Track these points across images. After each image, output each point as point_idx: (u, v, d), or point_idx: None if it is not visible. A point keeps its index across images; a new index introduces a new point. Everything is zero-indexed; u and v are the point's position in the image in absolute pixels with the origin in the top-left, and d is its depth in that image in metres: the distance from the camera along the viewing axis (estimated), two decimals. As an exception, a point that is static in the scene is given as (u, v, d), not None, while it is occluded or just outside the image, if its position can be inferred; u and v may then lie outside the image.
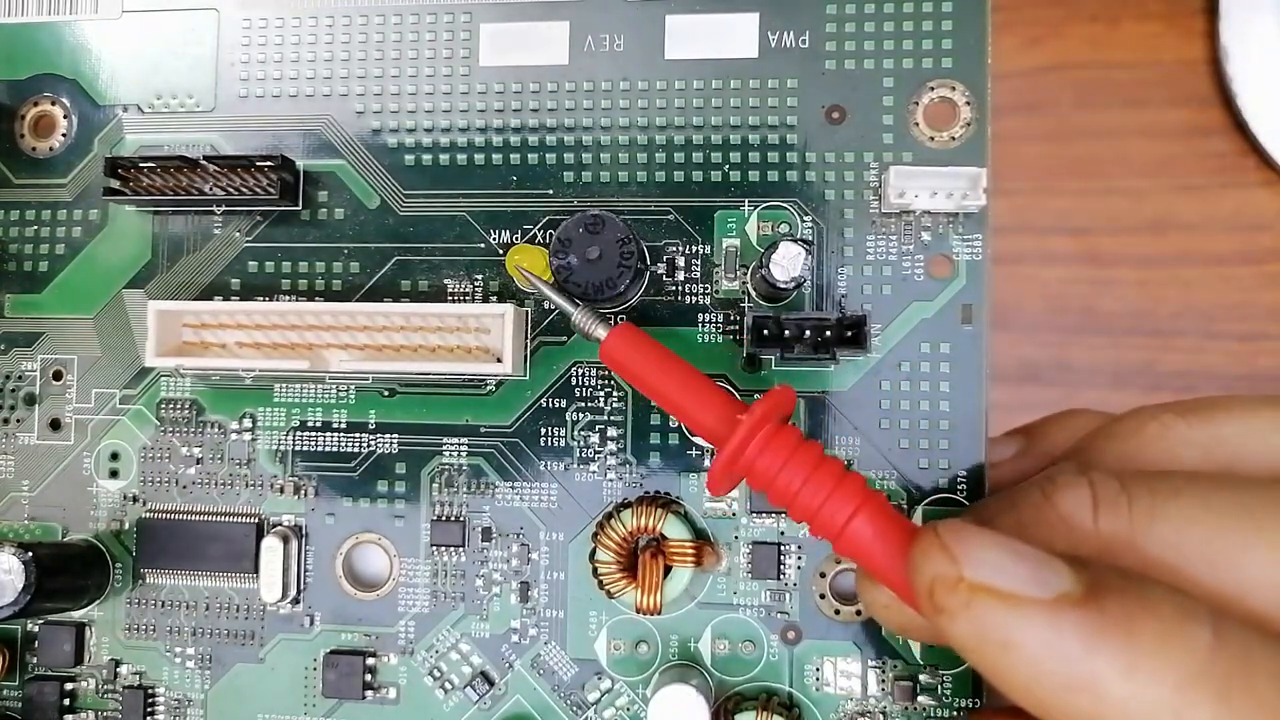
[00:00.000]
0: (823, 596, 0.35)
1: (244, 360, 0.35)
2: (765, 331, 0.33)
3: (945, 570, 0.24)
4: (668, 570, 0.34)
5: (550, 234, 0.36)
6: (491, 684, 0.36)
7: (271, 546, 0.37)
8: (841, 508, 0.28)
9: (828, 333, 0.33)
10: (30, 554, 0.33)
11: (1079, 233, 0.34)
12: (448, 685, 0.36)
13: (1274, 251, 0.37)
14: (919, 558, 0.25)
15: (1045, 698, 0.23)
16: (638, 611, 0.34)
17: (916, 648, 0.35)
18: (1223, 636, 0.22)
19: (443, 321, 0.35)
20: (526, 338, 0.36)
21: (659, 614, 0.34)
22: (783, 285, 0.32)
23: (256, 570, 0.37)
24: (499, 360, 0.35)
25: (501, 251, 0.37)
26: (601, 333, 0.32)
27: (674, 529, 0.34)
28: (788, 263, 0.32)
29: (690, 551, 0.34)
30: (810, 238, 0.34)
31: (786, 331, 0.33)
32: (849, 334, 0.33)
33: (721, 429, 0.29)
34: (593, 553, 0.35)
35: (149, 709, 0.38)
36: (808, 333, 0.33)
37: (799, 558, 0.35)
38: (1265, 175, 0.37)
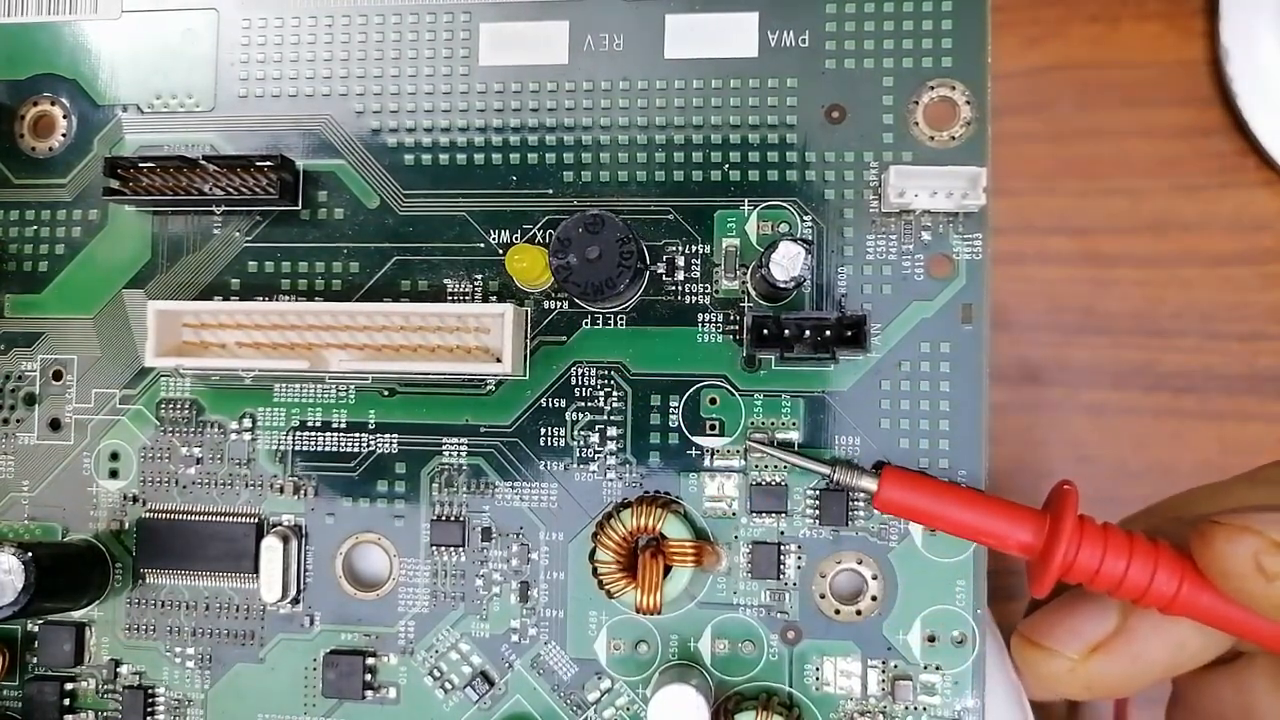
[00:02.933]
0: (823, 596, 0.35)
1: (244, 360, 0.35)
2: (765, 331, 0.33)
3: (1256, 543, 0.27)
4: (667, 570, 0.34)
5: (550, 234, 0.36)
6: (491, 684, 0.36)
7: (271, 546, 0.37)
8: (1169, 578, 0.29)
9: (827, 332, 0.33)
10: (30, 554, 0.33)
11: (1079, 233, 0.34)
12: (448, 685, 0.36)
13: (1274, 251, 0.37)
14: (1228, 547, 0.27)
15: None
16: (638, 611, 0.34)
17: (916, 647, 0.35)
18: None
19: (442, 321, 0.35)
20: (526, 337, 0.36)
21: (659, 614, 0.34)
22: (783, 285, 0.32)
23: (256, 570, 0.37)
24: (498, 360, 0.34)
25: (501, 251, 0.37)
26: (870, 485, 0.33)
27: (674, 529, 0.34)
28: (788, 262, 0.32)
29: (690, 551, 0.34)
30: (810, 237, 0.34)
31: (786, 331, 0.33)
32: (849, 334, 0.33)
33: (1036, 541, 0.31)
34: (593, 552, 0.35)
35: (149, 709, 0.38)
36: (807, 332, 0.33)
37: (799, 558, 0.35)
38: (1265, 175, 0.37)
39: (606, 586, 0.35)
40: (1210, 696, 0.34)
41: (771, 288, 0.33)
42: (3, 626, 0.39)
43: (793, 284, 0.33)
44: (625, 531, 0.34)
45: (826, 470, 0.34)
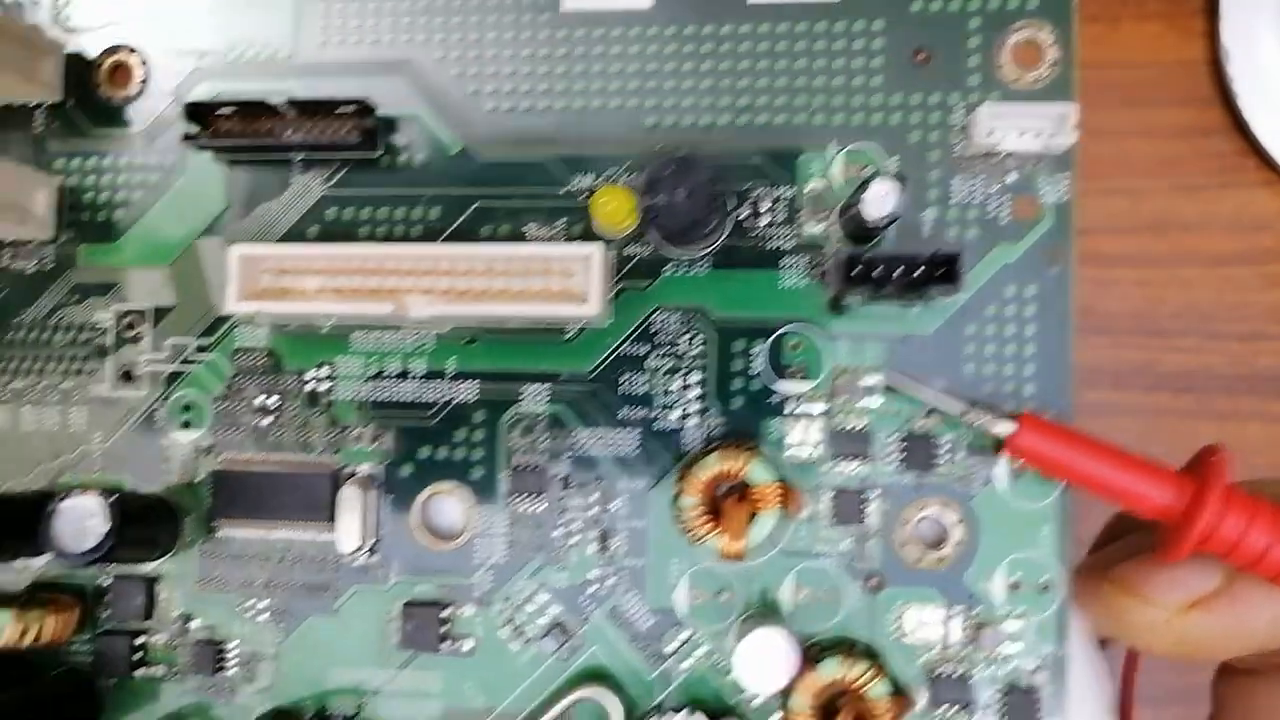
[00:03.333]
0: (905, 544, 0.34)
1: (325, 305, 0.35)
2: (855, 272, 0.33)
3: None
4: (752, 515, 0.34)
5: (633, 178, 0.36)
6: (569, 635, 0.36)
7: (349, 496, 0.36)
8: None
9: (918, 272, 0.33)
10: (114, 498, 0.33)
11: (1079, 233, 0.34)
12: (525, 636, 0.36)
13: (1274, 251, 0.37)
14: None
15: None
16: (722, 558, 0.34)
17: (1000, 594, 0.34)
18: None
19: (527, 265, 0.35)
20: (608, 283, 0.35)
21: (744, 559, 0.34)
22: (875, 223, 0.32)
23: (332, 521, 0.36)
24: (586, 302, 0.34)
25: (582, 197, 0.36)
26: (1007, 428, 0.32)
27: (759, 473, 0.34)
28: (880, 199, 0.32)
29: (776, 496, 0.34)
30: (903, 174, 0.34)
31: (876, 271, 0.33)
32: (940, 272, 0.33)
33: (1177, 504, 0.29)
34: (676, 498, 0.35)
35: (219, 663, 0.37)
36: (897, 272, 0.33)
37: (881, 504, 0.35)
38: (1265, 175, 0.37)
39: (691, 532, 0.34)
40: (1266, 707, 0.33)
41: (862, 227, 0.33)
42: (74, 580, 0.38)
43: (885, 222, 0.32)
44: (710, 476, 0.34)
45: (961, 409, 0.33)
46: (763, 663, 0.32)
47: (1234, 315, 0.37)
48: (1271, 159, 0.37)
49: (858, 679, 0.32)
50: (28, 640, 0.36)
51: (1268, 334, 0.37)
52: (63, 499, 0.33)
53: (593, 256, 0.34)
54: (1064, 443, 0.32)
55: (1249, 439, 0.37)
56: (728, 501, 0.34)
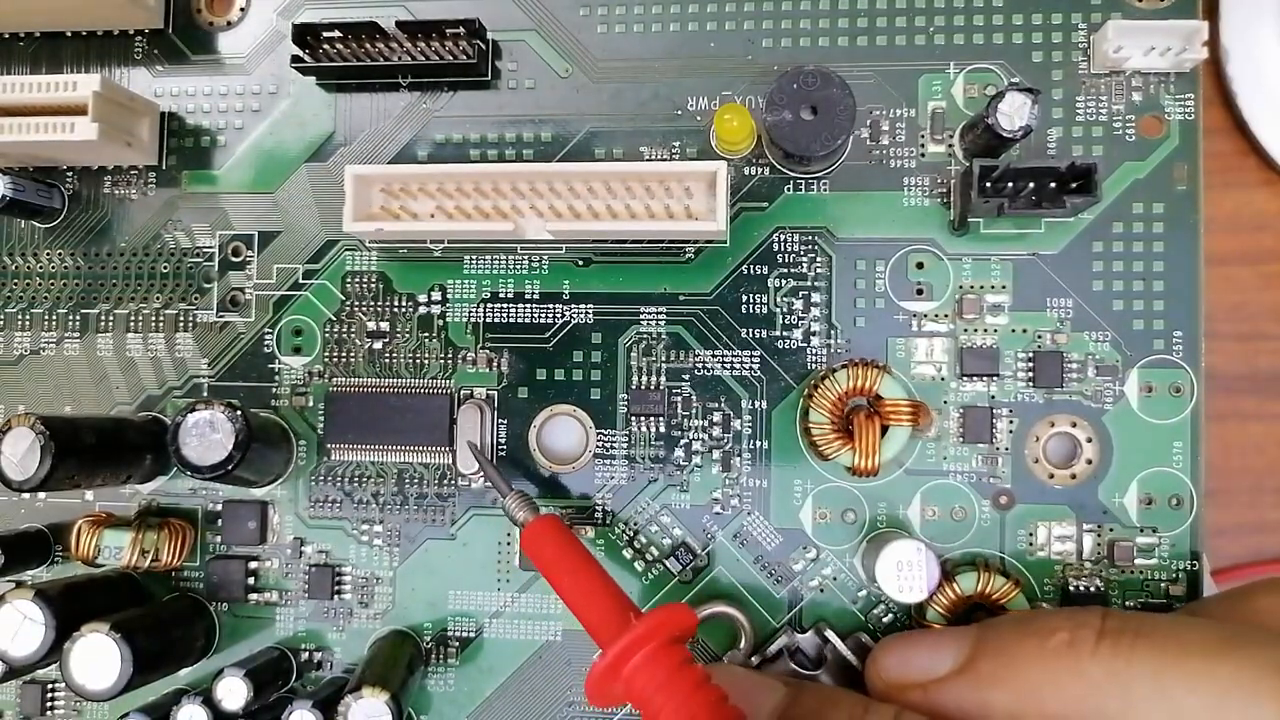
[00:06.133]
0: (1036, 461, 0.34)
1: (442, 225, 0.35)
2: (988, 184, 0.33)
3: None
4: (883, 431, 0.34)
5: (750, 99, 0.36)
6: (694, 555, 0.36)
7: (468, 417, 0.36)
8: None
9: (1054, 184, 0.33)
10: (239, 411, 0.33)
11: None
12: (648, 556, 0.36)
13: (1274, 251, 0.38)
14: None
15: None
16: (854, 473, 0.34)
17: (1133, 510, 0.34)
18: None
19: (647, 183, 0.34)
20: (728, 202, 0.35)
21: (876, 475, 0.34)
22: (1010, 134, 0.32)
23: (450, 443, 0.36)
24: (710, 219, 0.34)
25: (699, 118, 0.36)
26: (521, 518, 0.32)
27: (891, 389, 0.34)
28: (1015, 111, 0.32)
29: (907, 411, 0.34)
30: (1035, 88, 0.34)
31: (1011, 183, 0.33)
32: (1077, 184, 0.33)
33: (607, 637, 0.28)
34: (804, 414, 0.34)
35: (336, 587, 0.37)
36: (1033, 184, 0.33)
37: (1010, 422, 0.35)
38: (1265, 175, 0.37)
39: (821, 449, 0.34)
40: None
41: (991, 142, 0.33)
42: (183, 506, 0.38)
43: (1020, 133, 0.32)
44: (840, 392, 0.34)
45: (505, 489, 0.33)
46: (904, 574, 0.32)
47: (1234, 315, 0.37)
48: (1271, 159, 0.37)
49: (997, 592, 0.32)
50: (146, 563, 0.36)
51: (1268, 334, 0.37)
52: (190, 411, 0.32)
53: (719, 172, 0.34)
54: (554, 552, 0.31)
55: (1249, 439, 0.37)
56: (858, 417, 0.34)
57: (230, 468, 0.32)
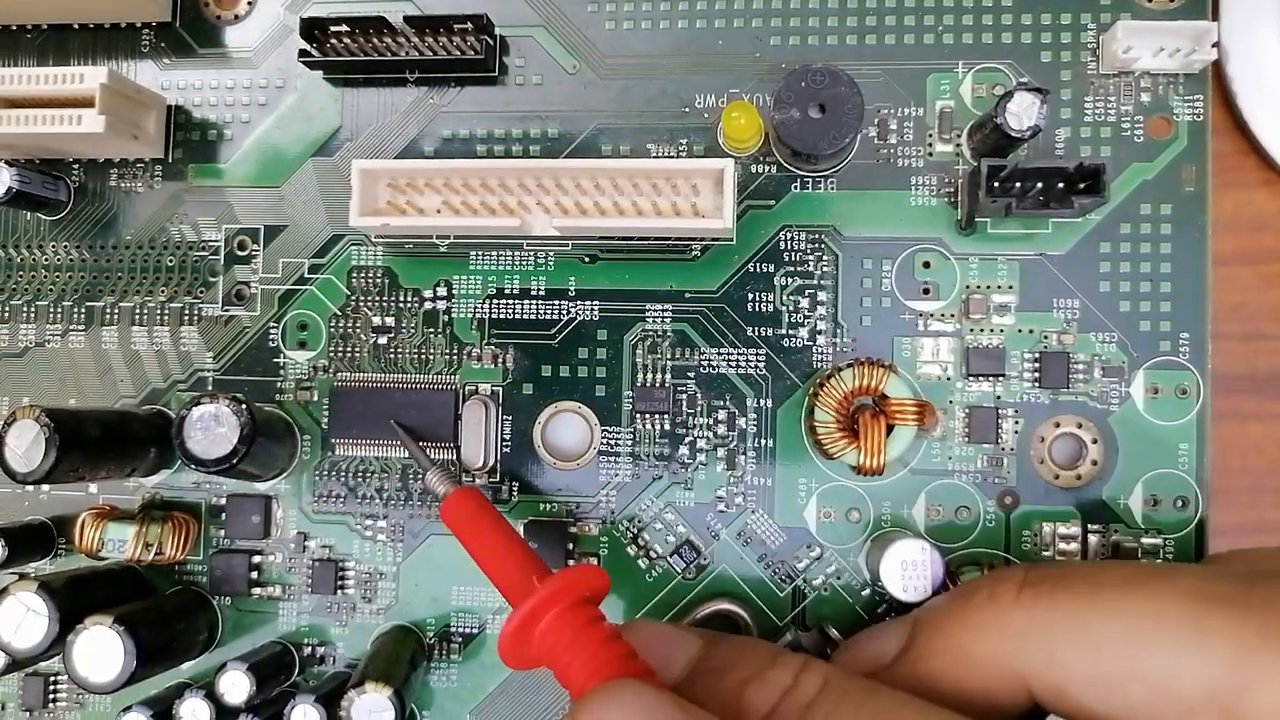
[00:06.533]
0: (1041, 461, 0.34)
1: (451, 220, 0.35)
2: (995, 184, 0.33)
3: None
4: (889, 430, 0.34)
5: (759, 97, 0.36)
6: (697, 553, 0.35)
7: (473, 412, 0.36)
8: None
9: (1062, 184, 0.33)
10: (245, 405, 0.33)
11: None
12: (652, 554, 0.36)
13: (1274, 251, 0.38)
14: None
15: None
16: (859, 472, 0.34)
17: (1138, 511, 0.34)
18: None
19: (653, 180, 0.34)
20: (735, 200, 0.35)
21: (881, 474, 0.34)
22: (1018, 134, 0.32)
23: (454, 440, 0.36)
24: (717, 217, 0.34)
25: (707, 115, 0.36)
26: (441, 490, 0.33)
27: (896, 388, 0.34)
28: (1023, 111, 0.32)
29: (913, 410, 0.33)
30: (1044, 88, 0.33)
31: (1018, 183, 0.33)
32: (1085, 185, 0.33)
33: (518, 600, 0.28)
34: (810, 412, 0.34)
35: (339, 582, 0.37)
36: (1041, 184, 0.33)
37: (1016, 422, 0.34)
38: (1265, 175, 0.37)
39: (826, 447, 0.34)
40: None
41: (1000, 141, 0.33)
42: (186, 500, 0.38)
43: (1028, 133, 0.32)
44: (846, 391, 0.34)
45: (427, 464, 0.34)
46: (908, 574, 0.32)
47: (1234, 315, 0.37)
48: (1271, 159, 0.37)
49: (1001, 590, 0.32)
50: (149, 556, 0.36)
51: (1268, 334, 0.38)
52: (195, 405, 0.32)
53: (726, 170, 0.34)
54: (469, 522, 0.31)
55: (1249, 439, 0.37)
56: (864, 416, 0.34)
57: (235, 462, 0.32)
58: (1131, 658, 0.25)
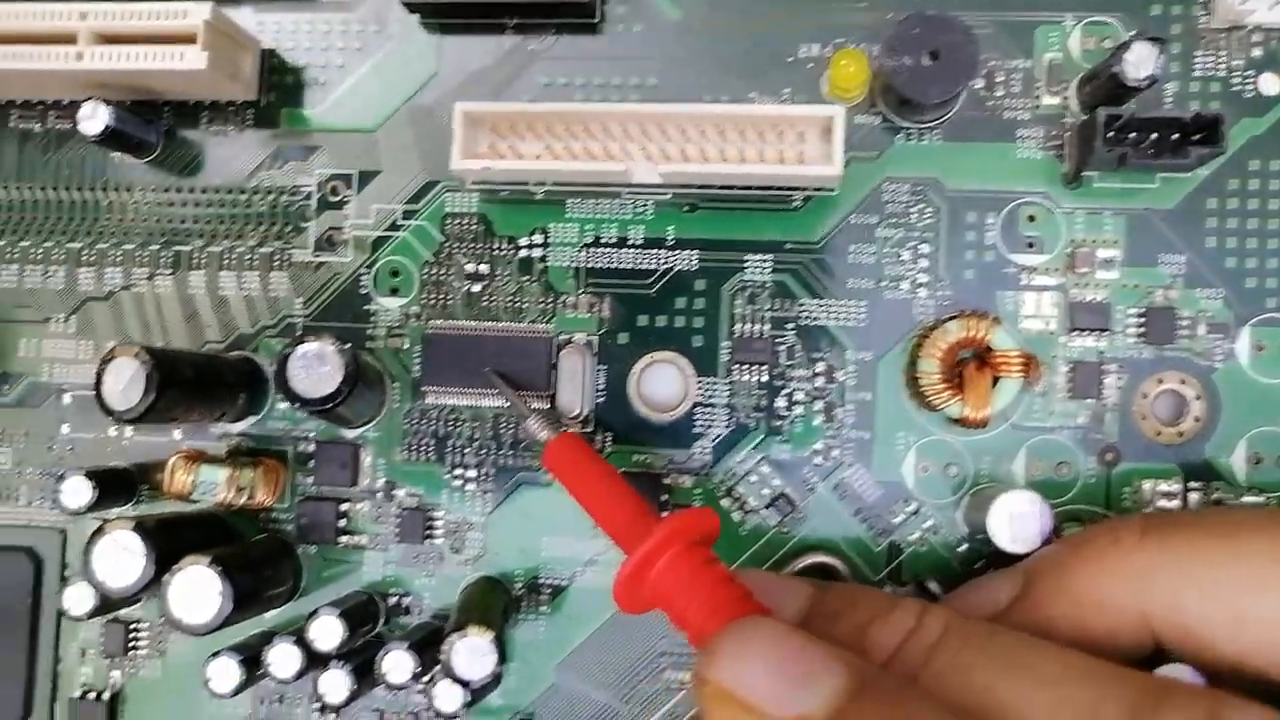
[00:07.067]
0: (1144, 418, 0.34)
1: (554, 164, 0.34)
2: (1111, 132, 0.32)
3: (700, 668, 0.24)
4: (994, 383, 0.33)
5: (864, 46, 0.35)
6: (792, 506, 0.35)
7: (570, 361, 0.36)
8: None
9: (1177, 135, 0.32)
10: (349, 347, 0.32)
11: None
12: (746, 507, 0.35)
13: None
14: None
15: None
16: (963, 425, 0.33)
17: (1240, 469, 0.34)
18: None
19: (759, 128, 0.34)
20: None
21: (986, 426, 0.33)
22: (1136, 83, 0.32)
23: (549, 388, 0.36)
24: (827, 164, 0.33)
25: (810, 66, 0.36)
26: (543, 436, 0.32)
27: (1002, 340, 0.33)
28: (1141, 60, 0.32)
29: (1020, 363, 0.33)
30: (1163, 36, 0.33)
31: (1134, 132, 0.32)
32: (1201, 135, 0.32)
33: (631, 544, 0.27)
34: (912, 364, 0.34)
35: (427, 532, 0.37)
36: (1157, 134, 0.32)
37: (1119, 378, 0.34)
38: None
39: (929, 399, 0.34)
40: None
41: (1118, 89, 0.32)
42: (272, 448, 0.37)
43: (1145, 83, 0.32)
44: (952, 342, 0.34)
45: (527, 412, 0.33)
46: (1016, 525, 0.32)
47: None
48: None
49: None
50: (240, 500, 0.35)
51: None
52: (298, 343, 0.32)
53: (836, 117, 0.33)
54: (575, 467, 0.31)
55: None
56: (969, 368, 0.34)
57: (339, 401, 0.32)
58: (1258, 598, 0.25)
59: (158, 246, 0.38)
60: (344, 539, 0.37)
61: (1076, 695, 0.24)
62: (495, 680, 0.32)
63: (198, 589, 0.32)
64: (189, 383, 0.34)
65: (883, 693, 0.23)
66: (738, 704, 0.23)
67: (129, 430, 0.38)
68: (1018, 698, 0.24)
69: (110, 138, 0.36)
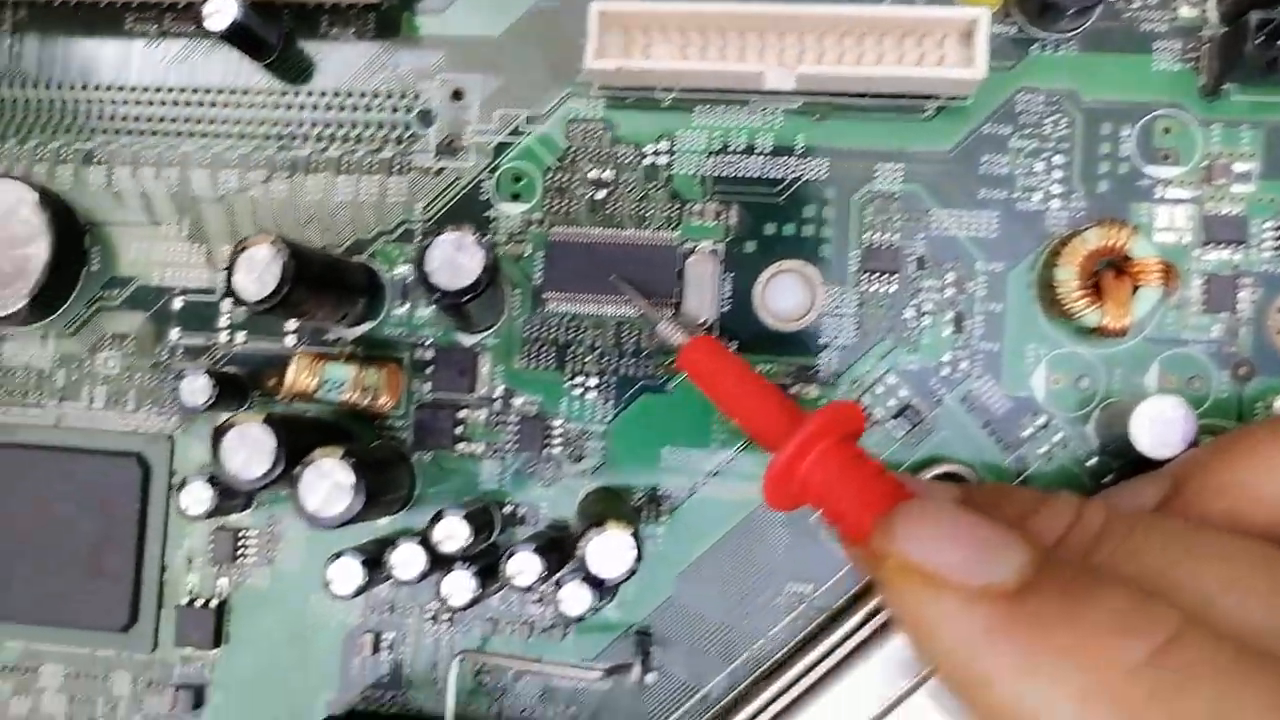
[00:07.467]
0: (1278, 332, 0.34)
1: (689, 64, 0.34)
2: (1260, 37, 0.32)
3: (880, 543, 0.23)
4: (1134, 291, 0.33)
5: (1001, -45, 0.35)
6: (919, 418, 0.35)
7: (698, 267, 0.35)
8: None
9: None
10: (488, 237, 0.32)
11: None
12: (872, 417, 0.35)
13: None
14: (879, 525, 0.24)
15: (949, 683, 0.23)
16: (1102, 334, 0.33)
17: (1376, 386, 0.34)
18: (1165, 656, 0.20)
19: (900, 30, 0.34)
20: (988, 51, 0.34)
21: (1125, 335, 0.33)
22: (1286, -13, 0.31)
23: (675, 295, 0.35)
24: (970, 66, 0.33)
25: (945, -26, 0.35)
26: (677, 340, 0.32)
27: (1143, 248, 0.33)
28: (1294, -38, 0.31)
29: (1159, 271, 0.33)
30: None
31: (1284, 39, 0.32)
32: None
33: (777, 441, 0.27)
34: (1047, 274, 0.34)
35: (545, 441, 0.36)
36: (1308, 41, 0.32)
37: (1254, 291, 0.34)
38: None
39: (1065, 308, 0.33)
40: None
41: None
42: (391, 354, 0.37)
43: (1296, -13, 0.31)
44: (1090, 250, 0.33)
45: (659, 316, 0.33)
46: (1158, 430, 0.32)
47: None
48: None
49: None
50: (365, 401, 0.35)
51: None
52: (439, 234, 0.32)
53: (981, 19, 0.33)
54: (714, 368, 0.31)
55: None
56: (1107, 276, 0.33)
57: (478, 292, 0.32)
58: None
59: (273, 150, 0.37)
60: (460, 446, 0.36)
61: (1256, 569, 0.23)
62: (630, 575, 0.32)
63: (328, 482, 0.32)
64: (317, 279, 0.33)
65: (1068, 566, 0.23)
66: (921, 576, 0.23)
67: (240, 335, 0.37)
68: (1194, 575, 0.24)
69: (235, 33, 0.35)
